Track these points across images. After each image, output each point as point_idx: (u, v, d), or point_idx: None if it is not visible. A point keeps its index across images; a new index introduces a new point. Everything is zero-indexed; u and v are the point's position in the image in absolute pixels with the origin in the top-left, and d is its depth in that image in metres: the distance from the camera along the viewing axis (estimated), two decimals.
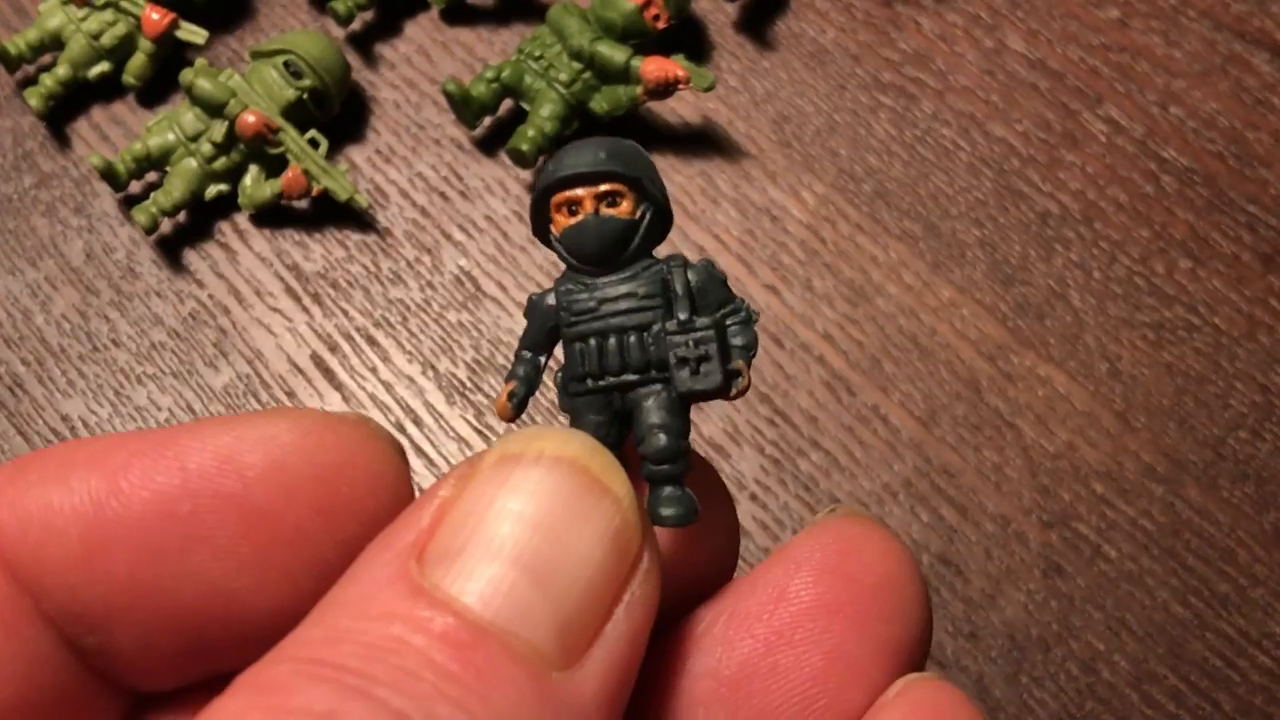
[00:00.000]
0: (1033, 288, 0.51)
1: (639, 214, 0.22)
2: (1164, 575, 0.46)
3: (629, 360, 0.22)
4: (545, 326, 0.23)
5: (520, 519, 0.18)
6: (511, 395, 0.23)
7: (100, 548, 0.19)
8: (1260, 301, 0.50)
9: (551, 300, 0.23)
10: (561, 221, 0.23)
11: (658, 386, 0.22)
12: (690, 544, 0.22)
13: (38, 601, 0.20)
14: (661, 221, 0.23)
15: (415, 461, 0.48)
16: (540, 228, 0.23)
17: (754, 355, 0.22)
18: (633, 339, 0.22)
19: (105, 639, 0.20)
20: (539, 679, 0.17)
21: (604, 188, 0.22)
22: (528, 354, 0.23)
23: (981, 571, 0.46)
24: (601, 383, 0.22)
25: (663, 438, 0.21)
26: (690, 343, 0.22)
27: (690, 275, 0.22)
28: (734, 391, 0.22)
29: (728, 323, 0.22)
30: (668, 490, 0.21)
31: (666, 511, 0.21)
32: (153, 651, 0.20)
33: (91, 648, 0.20)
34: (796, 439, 0.48)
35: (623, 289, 0.22)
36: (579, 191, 0.22)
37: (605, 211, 0.22)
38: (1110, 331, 0.50)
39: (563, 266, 0.23)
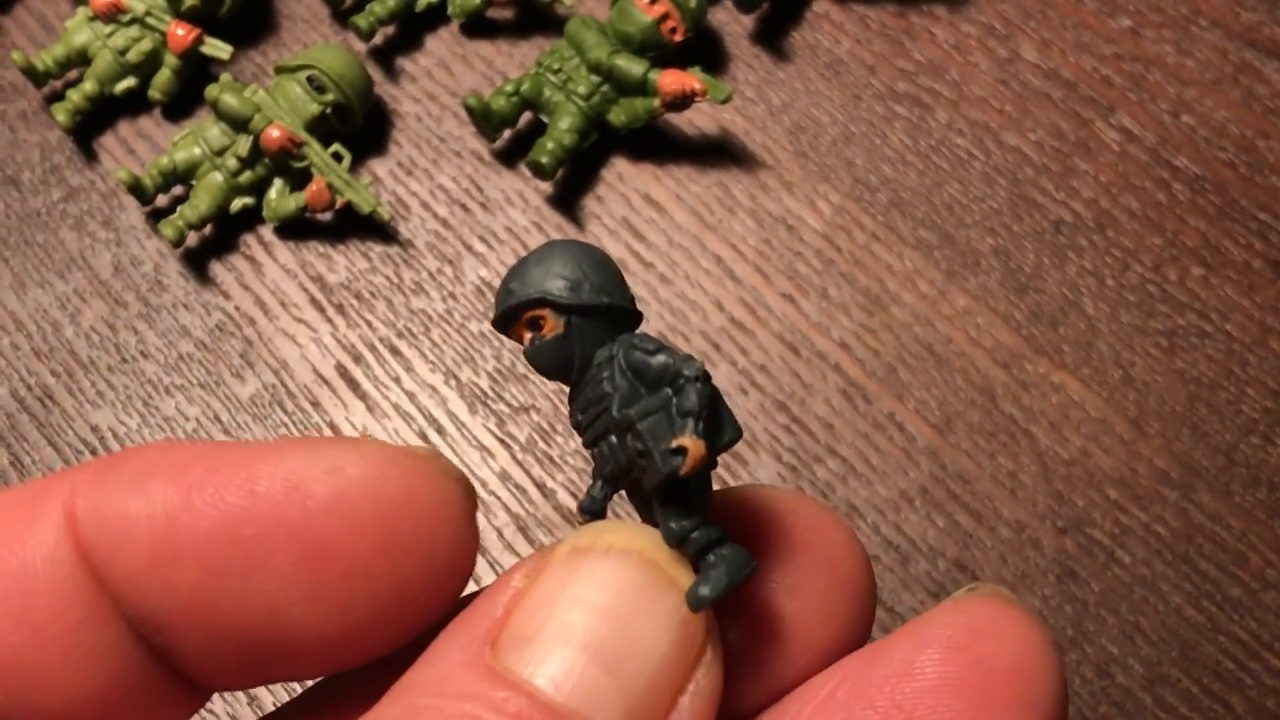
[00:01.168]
0: (1046, 296, 0.51)
1: (562, 327, 0.22)
2: (1177, 580, 0.47)
3: (620, 462, 0.21)
4: None
5: (591, 607, 0.19)
6: (583, 512, 0.22)
7: (168, 560, 0.20)
8: (1271, 308, 0.51)
9: None
10: None
11: None
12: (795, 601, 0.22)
13: (114, 599, 0.21)
14: (597, 317, 0.22)
15: None
16: None
17: (701, 418, 0.20)
18: (614, 440, 0.21)
19: (170, 642, 0.21)
20: None
21: (525, 318, 0.22)
22: None
23: (997, 577, 0.47)
24: (624, 482, 0.22)
25: (670, 526, 0.21)
26: (628, 441, 0.21)
27: (623, 359, 0.21)
28: (683, 471, 0.20)
29: (672, 391, 0.21)
30: (706, 561, 0.20)
31: (698, 594, 0.20)
32: (215, 658, 0.21)
33: (160, 648, 0.21)
34: (813, 446, 0.49)
35: (586, 398, 0.22)
36: (516, 330, 0.22)
37: (535, 338, 0.22)
38: (1123, 339, 0.50)
39: None
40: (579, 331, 0.22)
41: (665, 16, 0.53)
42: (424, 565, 0.21)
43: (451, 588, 0.21)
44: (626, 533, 0.20)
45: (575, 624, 0.19)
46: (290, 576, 0.20)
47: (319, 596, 0.20)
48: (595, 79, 0.52)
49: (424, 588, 0.21)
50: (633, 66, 0.52)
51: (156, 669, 0.21)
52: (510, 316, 0.22)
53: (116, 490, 0.20)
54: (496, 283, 0.52)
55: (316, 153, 0.52)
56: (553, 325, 0.22)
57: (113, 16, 0.54)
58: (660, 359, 0.21)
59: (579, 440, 0.23)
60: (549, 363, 0.22)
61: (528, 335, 0.22)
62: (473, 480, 0.49)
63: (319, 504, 0.20)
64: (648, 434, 0.20)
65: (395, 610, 0.21)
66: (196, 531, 0.20)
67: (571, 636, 0.19)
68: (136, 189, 0.51)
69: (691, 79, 0.51)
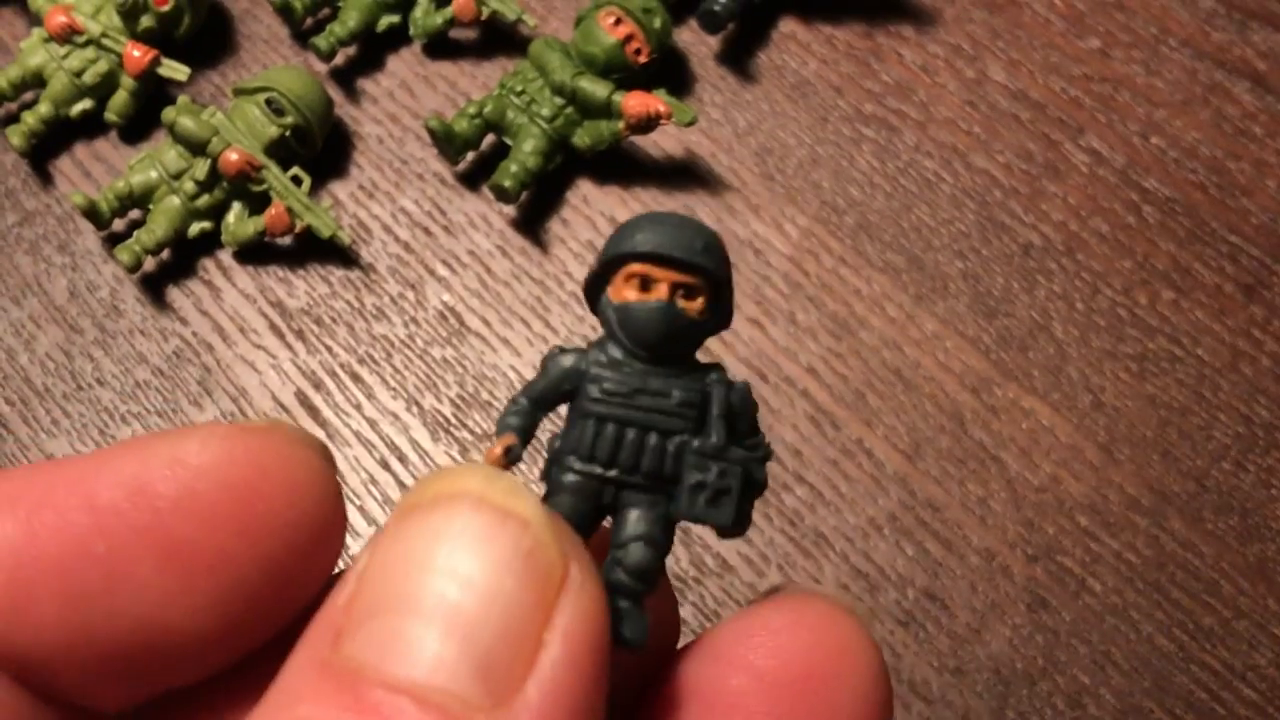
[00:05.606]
0: (1016, 320, 0.51)
1: (707, 315, 0.21)
2: (1148, 608, 0.46)
3: (642, 461, 0.21)
4: (560, 388, 0.21)
5: (418, 566, 0.18)
6: (509, 451, 0.21)
7: (25, 596, 0.19)
8: (1243, 332, 0.50)
9: (579, 364, 0.21)
10: (626, 294, 0.21)
11: (659, 498, 0.21)
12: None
13: None
14: (721, 327, 0.22)
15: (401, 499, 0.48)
16: (595, 290, 0.22)
17: (759, 497, 0.21)
18: (653, 440, 0.20)
19: (48, 678, 0.20)
20: None
21: (687, 279, 0.21)
22: (526, 404, 0.21)
23: (967, 606, 0.46)
24: (604, 472, 0.21)
25: (648, 553, 0.20)
26: (717, 472, 0.20)
27: (731, 397, 0.21)
28: (738, 531, 0.21)
29: (750, 456, 0.21)
30: (627, 606, 0.20)
31: (627, 633, 0.20)
32: (97, 683, 0.20)
33: (39, 685, 0.20)
34: (781, 473, 0.48)
35: (662, 386, 0.21)
36: (660, 271, 0.21)
37: (680, 303, 0.21)
38: (1093, 363, 0.50)
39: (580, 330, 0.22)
40: (709, 332, 0.21)
41: (630, 38, 0.52)
42: (289, 541, 0.20)
43: (324, 557, 0.20)
44: (449, 477, 0.19)
45: (404, 588, 0.17)
46: (153, 584, 0.19)
47: (188, 596, 0.19)
48: (559, 101, 0.52)
49: (295, 563, 0.20)
50: (597, 88, 0.51)
51: (43, 708, 0.20)
52: (684, 266, 0.21)
53: None
54: (460, 308, 0.51)
55: (275, 176, 0.51)
56: (701, 307, 0.21)
57: (68, 38, 0.53)
58: (756, 421, 0.21)
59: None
60: (676, 333, 0.21)
61: (667, 290, 0.21)
62: None
63: (167, 503, 0.19)
64: (741, 483, 0.21)
65: (270, 593, 0.19)
66: (47, 560, 0.19)
67: (401, 603, 0.17)
68: (92, 213, 0.50)
69: (656, 101, 0.50)
